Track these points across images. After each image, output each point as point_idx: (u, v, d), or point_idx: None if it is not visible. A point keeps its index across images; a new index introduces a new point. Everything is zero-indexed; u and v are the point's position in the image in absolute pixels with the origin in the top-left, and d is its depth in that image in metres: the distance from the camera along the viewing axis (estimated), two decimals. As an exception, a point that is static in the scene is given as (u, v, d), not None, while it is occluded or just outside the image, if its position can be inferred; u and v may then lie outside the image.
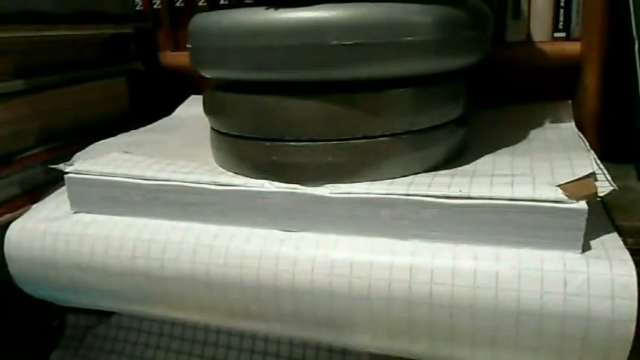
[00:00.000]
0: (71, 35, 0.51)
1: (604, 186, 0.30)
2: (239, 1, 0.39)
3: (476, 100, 0.40)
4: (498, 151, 0.38)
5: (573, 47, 0.48)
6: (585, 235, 0.28)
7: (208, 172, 0.36)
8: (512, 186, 0.30)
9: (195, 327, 0.44)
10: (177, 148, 0.43)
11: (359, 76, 0.32)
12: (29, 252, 0.37)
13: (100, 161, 0.39)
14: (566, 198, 0.28)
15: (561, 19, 0.49)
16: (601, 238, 0.30)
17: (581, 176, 0.30)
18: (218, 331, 0.43)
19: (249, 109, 0.34)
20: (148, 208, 0.36)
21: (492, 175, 0.32)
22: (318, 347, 0.40)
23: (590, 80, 0.47)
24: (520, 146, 0.39)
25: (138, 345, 0.45)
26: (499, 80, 0.52)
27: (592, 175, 0.31)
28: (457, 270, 0.29)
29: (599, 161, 0.33)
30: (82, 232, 0.36)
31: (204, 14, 0.36)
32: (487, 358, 0.29)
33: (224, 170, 0.37)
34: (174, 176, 0.35)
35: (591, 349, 0.27)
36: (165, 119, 0.56)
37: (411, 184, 0.32)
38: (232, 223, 0.34)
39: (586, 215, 0.28)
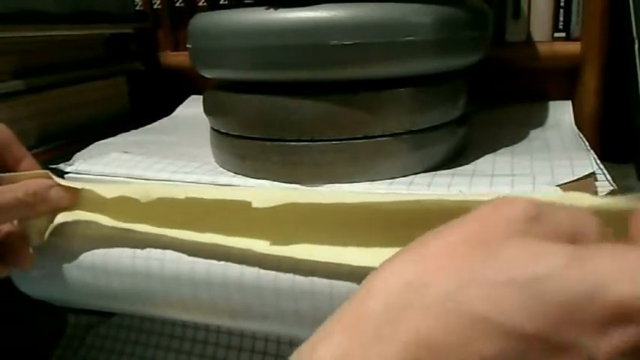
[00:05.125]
0: (71, 35, 0.51)
1: (604, 186, 0.30)
2: (239, 1, 0.39)
3: (476, 100, 0.40)
4: (498, 151, 0.38)
5: (573, 47, 0.48)
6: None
7: (208, 172, 0.36)
8: (512, 186, 0.30)
9: (195, 327, 0.44)
10: (178, 148, 0.43)
11: (359, 76, 0.32)
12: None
13: (100, 161, 0.39)
14: (566, 198, 0.28)
15: (561, 19, 0.49)
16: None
17: (581, 176, 0.30)
18: (218, 331, 0.43)
19: (249, 109, 0.34)
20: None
21: (492, 175, 0.32)
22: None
23: (590, 80, 0.47)
24: (520, 146, 0.39)
25: (138, 344, 0.45)
26: (499, 80, 0.52)
27: (592, 175, 0.31)
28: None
29: (599, 161, 0.33)
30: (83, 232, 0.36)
31: (204, 14, 0.36)
32: None
33: (224, 170, 0.37)
34: (174, 176, 0.35)
35: None
36: (165, 119, 0.56)
37: (411, 184, 0.32)
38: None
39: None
